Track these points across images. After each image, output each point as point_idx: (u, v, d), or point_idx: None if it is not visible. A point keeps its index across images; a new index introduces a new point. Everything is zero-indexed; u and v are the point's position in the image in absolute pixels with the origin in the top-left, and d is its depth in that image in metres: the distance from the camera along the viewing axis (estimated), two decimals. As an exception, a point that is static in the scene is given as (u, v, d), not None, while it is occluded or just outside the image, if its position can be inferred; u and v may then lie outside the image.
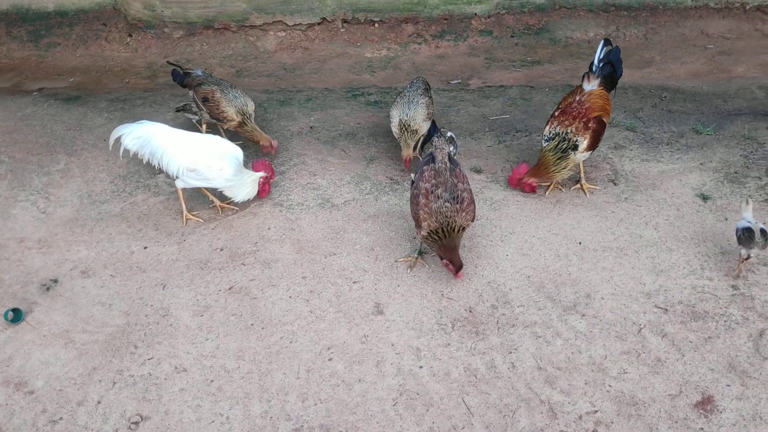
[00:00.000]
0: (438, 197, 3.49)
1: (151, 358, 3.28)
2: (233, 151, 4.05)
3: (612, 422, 2.90)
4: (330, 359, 3.24)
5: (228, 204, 4.27)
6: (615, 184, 4.39)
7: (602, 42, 4.31)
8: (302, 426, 2.94)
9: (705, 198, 4.20)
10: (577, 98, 4.15)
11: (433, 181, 3.55)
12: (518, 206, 4.21)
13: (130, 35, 6.77)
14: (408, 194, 3.99)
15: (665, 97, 5.48)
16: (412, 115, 4.39)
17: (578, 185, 4.33)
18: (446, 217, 3.45)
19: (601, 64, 4.23)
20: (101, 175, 4.66)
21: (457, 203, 3.48)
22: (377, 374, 3.16)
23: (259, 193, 4.19)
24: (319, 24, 6.73)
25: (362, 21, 6.73)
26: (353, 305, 3.54)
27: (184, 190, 4.14)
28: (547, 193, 4.31)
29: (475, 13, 6.74)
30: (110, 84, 6.13)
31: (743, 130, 4.88)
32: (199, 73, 4.78)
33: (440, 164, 3.60)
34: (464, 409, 2.99)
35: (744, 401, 2.95)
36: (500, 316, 3.43)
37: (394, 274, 3.73)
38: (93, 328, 3.46)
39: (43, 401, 3.09)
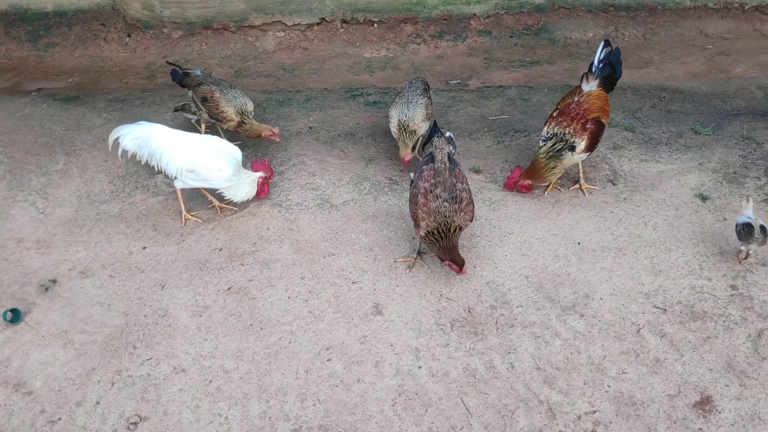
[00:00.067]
0: (437, 197, 3.49)
1: (150, 359, 3.28)
2: (232, 152, 4.05)
3: (611, 422, 2.90)
4: (329, 359, 3.24)
5: (227, 204, 4.27)
6: (614, 184, 4.39)
7: (602, 43, 4.31)
8: (301, 426, 2.94)
9: (704, 198, 4.20)
10: (576, 99, 4.14)
11: (432, 180, 3.54)
12: (517, 206, 4.21)
13: (128, 35, 6.76)
14: (407, 194, 3.99)
15: (664, 97, 5.48)
16: (411, 115, 4.39)
17: (577, 185, 4.33)
18: (445, 216, 3.45)
19: (600, 65, 4.23)
20: (100, 175, 4.66)
21: (456, 203, 3.48)
22: (376, 374, 3.16)
23: (258, 193, 4.19)
24: (318, 24, 6.73)
25: (361, 21, 6.73)
26: (352, 305, 3.54)
27: (183, 190, 4.14)
28: (545, 193, 4.31)
29: (474, 14, 6.73)
30: (109, 84, 6.12)
31: (742, 131, 4.88)
32: (198, 73, 4.78)
33: (440, 164, 3.60)
34: (463, 409, 2.99)
35: (742, 401, 2.95)
36: (499, 317, 3.43)
37: (393, 275, 3.73)
38: (92, 329, 3.46)
39: (42, 402, 3.09)
